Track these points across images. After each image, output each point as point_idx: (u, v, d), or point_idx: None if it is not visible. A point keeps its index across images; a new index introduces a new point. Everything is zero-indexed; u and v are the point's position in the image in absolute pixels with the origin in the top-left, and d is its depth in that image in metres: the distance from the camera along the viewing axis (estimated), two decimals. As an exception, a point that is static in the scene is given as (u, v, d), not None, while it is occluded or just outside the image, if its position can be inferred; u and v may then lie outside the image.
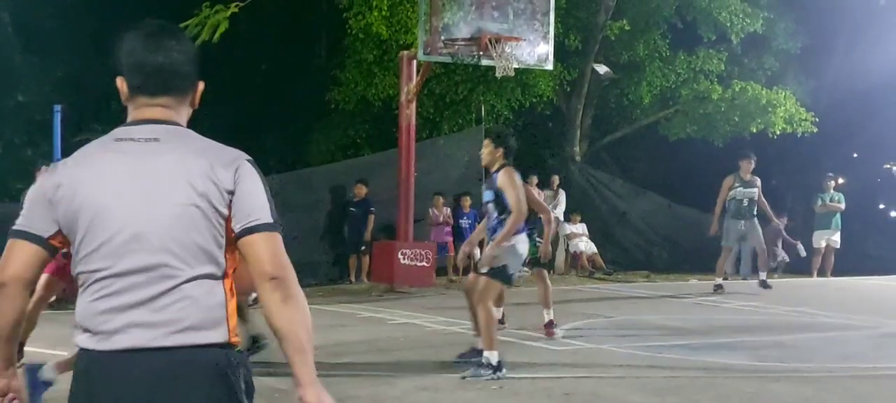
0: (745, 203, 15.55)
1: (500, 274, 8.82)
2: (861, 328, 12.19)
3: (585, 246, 20.32)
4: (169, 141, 2.82)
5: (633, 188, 24.82)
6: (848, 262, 20.91)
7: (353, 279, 17.39)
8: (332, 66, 23.30)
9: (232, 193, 2.77)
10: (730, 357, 9.75)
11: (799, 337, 11.26)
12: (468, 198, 18.52)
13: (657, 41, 24.40)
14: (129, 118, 2.91)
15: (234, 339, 2.78)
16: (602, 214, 22.95)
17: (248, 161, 2.84)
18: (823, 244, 20.32)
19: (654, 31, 24.40)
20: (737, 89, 23.49)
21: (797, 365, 9.24)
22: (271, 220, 2.79)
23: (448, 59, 15.88)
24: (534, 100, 22.54)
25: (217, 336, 2.74)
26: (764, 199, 15.84)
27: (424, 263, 15.87)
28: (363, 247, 17.30)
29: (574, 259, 20.34)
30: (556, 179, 20.12)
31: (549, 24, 15.62)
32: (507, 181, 8.82)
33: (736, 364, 9.32)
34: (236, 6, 13.97)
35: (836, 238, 20.22)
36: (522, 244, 9.03)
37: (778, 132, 23.63)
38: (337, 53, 23.18)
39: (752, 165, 15.69)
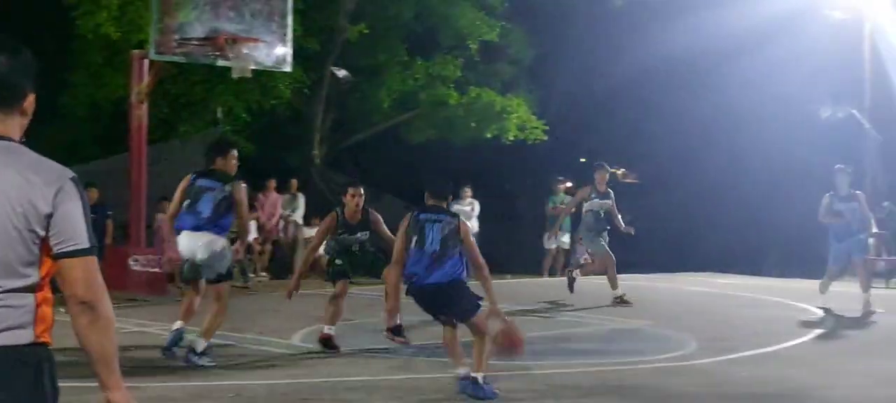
0: (602, 214, 15.00)
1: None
2: (590, 324, 12.65)
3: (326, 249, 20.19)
4: None
5: (371, 191, 24.92)
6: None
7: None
8: (60, 69, 22.20)
9: (50, 216, 2.92)
10: (470, 356, 9.84)
11: (532, 336, 11.51)
12: None
13: (396, 46, 24.62)
14: None
15: (43, 339, 2.99)
16: (343, 218, 22.89)
17: (72, 180, 2.98)
18: (554, 246, 21.02)
19: (393, 36, 24.61)
20: (473, 95, 23.99)
21: (529, 363, 9.44)
22: (87, 245, 2.97)
23: (182, 59, 15.42)
24: (273, 102, 22.26)
25: (27, 336, 2.94)
26: (616, 211, 15.21)
27: (158, 270, 15.27)
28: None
29: (315, 262, 20.17)
30: (294, 183, 19.87)
31: (287, 25, 15.39)
32: None
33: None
34: None
35: (566, 239, 20.94)
36: (181, 239, 9.37)
37: (511, 138, 24.31)
38: (65, 55, 22.10)
39: (607, 176, 15.35)
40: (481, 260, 8.07)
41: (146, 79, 15.67)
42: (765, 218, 29.18)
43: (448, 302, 8.09)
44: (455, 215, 8.41)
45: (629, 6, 27.31)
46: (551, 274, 20.98)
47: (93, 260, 2.98)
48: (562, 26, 30.16)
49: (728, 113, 30.04)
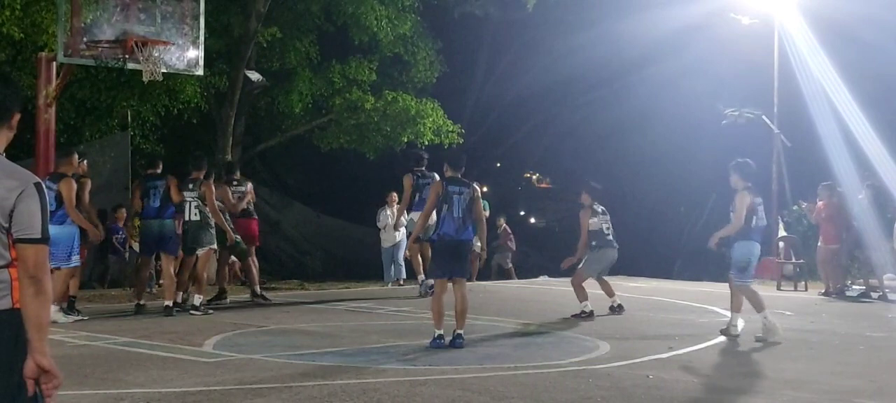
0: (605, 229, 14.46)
1: None
2: (504, 329, 12.70)
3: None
4: None
5: (282, 198, 24.79)
6: (492, 267, 21.81)
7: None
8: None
9: (12, 211, 3.81)
10: (381, 362, 9.84)
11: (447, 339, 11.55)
12: (123, 210, 17.92)
13: (308, 48, 24.50)
14: None
15: (18, 305, 3.83)
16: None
17: (35, 185, 3.88)
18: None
19: (304, 38, 24.48)
20: (389, 99, 23.97)
21: (444, 368, 9.46)
22: (40, 236, 3.84)
23: (91, 62, 15.18)
24: (181, 106, 21.98)
25: (7, 303, 3.85)
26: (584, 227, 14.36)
27: (70, 277, 14.96)
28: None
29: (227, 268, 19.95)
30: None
31: (198, 28, 15.26)
32: None
33: (386, 369, 9.41)
34: None
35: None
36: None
37: (426, 142, 24.33)
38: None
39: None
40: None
41: (54, 81, 15.38)
42: (674, 222, 29.63)
43: None
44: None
45: (540, 15, 27.52)
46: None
47: (43, 249, 3.85)
48: (473, 34, 30.32)
49: (636, 119, 30.47)
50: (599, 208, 14.46)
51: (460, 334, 10.90)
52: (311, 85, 24.58)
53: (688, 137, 27.75)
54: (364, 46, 24.96)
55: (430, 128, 24.24)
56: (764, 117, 24.34)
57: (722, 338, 11.97)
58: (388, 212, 19.65)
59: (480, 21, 29.77)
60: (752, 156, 12.63)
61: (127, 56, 14.43)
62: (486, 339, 11.88)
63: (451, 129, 24.79)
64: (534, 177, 45.39)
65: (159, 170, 14.43)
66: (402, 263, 19.73)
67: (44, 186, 3.92)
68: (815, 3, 23.41)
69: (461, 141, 25.15)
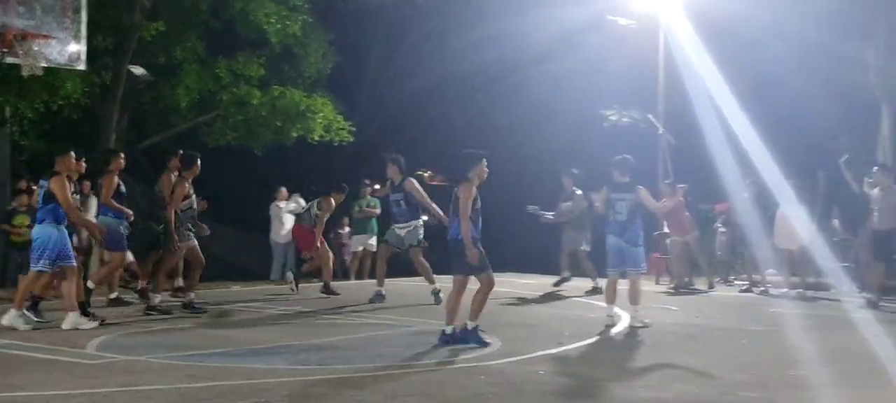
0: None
1: None
2: (396, 327, 12.65)
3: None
4: None
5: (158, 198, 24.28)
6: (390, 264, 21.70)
7: None
8: None
9: None
10: (271, 362, 9.71)
11: (338, 339, 11.47)
12: None
13: (195, 43, 24.07)
14: None
15: None
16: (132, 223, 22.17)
17: None
18: (361, 248, 21.06)
19: (191, 33, 24.04)
20: (276, 94, 23.64)
21: (336, 367, 9.37)
22: None
23: (-32, 57, 14.67)
24: (61, 102, 21.34)
25: None
26: None
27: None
28: None
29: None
30: (87, 184, 18.89)
31: (80, 22, 14.87)
32: None
33: (277, 368, 9.28)
34: None
35: (373, 241, 20.98)
36: None
37: (317, 138, 24.09)
38: None
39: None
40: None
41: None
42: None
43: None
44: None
45: (434, 10, 27.56)
46: (357, 276, 20.96)
47: None
48: (366, 29, 30.18)
49: (532, 115, 30.68)
50: None
51: (443, 329, 10.95)
52: (198, 80, 24.16)
53: (581, 133, 28.03)
54: (253, 41, 24.62)
55: (320, 123, 23.98)
56: (650, 116, 24.72)
57: (610, 333, 12.13)
58: (291, 204, 19.58)
59: (373, 16, 29.66)
60: (639, 153, 12.87)
61: (5, 50, 14.01)
62: (377, 337, 11.83)
63: (341, 126, 24.58)
64: (426, 174, 45.39)
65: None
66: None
67: None
68: (696, 1, 23.84)
69: (351, 138, 24.96)
